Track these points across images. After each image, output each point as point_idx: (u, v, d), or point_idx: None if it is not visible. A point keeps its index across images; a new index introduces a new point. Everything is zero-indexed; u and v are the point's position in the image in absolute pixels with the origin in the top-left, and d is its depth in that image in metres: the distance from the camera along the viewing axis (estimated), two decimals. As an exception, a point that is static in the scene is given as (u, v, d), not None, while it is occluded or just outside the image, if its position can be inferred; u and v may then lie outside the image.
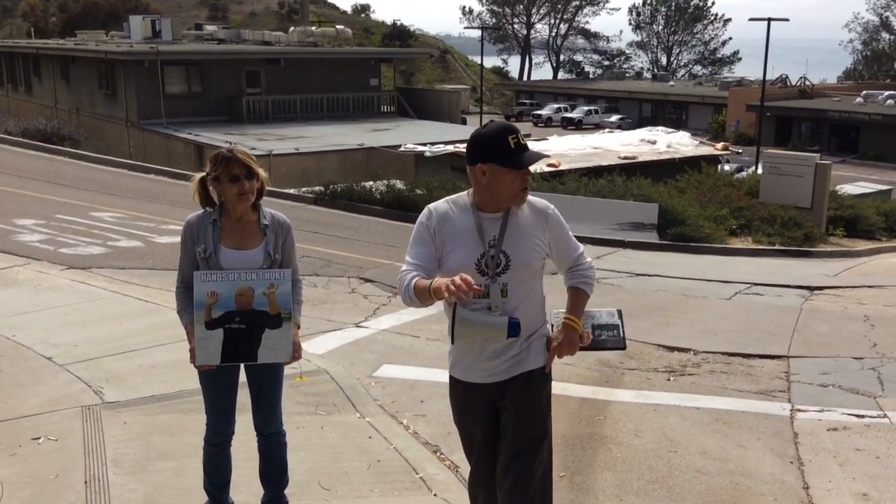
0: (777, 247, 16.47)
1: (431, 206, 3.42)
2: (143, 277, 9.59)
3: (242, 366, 3.96)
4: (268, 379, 3.99)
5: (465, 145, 3.36)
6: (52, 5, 75.37)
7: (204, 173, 3.82)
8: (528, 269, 3.32)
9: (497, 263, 3.27)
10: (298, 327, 3.96)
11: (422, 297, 3.16)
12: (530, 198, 3.37)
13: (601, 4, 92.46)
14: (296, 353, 3.89)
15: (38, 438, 5.08)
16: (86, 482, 4.56)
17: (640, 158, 24.88)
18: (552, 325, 3.51)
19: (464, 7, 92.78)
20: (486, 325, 3.24)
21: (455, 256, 3.29)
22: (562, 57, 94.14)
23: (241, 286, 3.74)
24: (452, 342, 3.31)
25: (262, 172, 3.85)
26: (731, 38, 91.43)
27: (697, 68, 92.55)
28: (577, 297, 3.49)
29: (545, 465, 3.45)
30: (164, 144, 30.19)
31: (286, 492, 4.25)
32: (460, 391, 3.50)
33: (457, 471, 5.01)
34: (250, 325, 3.76)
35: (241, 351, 3.79)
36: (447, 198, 3.44)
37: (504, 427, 3.44)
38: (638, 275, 12.53)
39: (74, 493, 4.44)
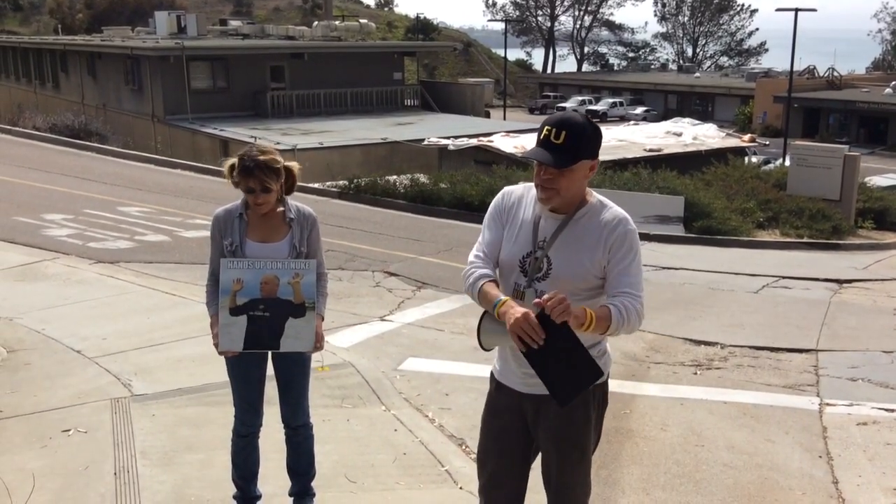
0: (805, 239, 16.29)
1: (507, 187, 3.22)
2: (170, 271, 9.67)
3: (270, 358, 3.98)
4: (295, 371, 4.01)
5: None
6: (79, 2, 76.04)
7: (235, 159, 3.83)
8: (571, 286, 2.95)
9: (539, 268, 3.01)
10: (322, 319, 3.97)
11: (486, 305, 2.98)
12: (614, 207, 3.04)
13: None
14: (318, 344, 3.90)
15: (68, 430, 5.14)
16: (115, 474, 4.61)
17: (666, 151, 24.67)
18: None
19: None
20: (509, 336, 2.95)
21: (506, 248, 3.09)
22: (586, 49, 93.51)
23: (267, 274, 3.76)
24: (481, 347, 3.08)
25: (294, 166, 3.87)
26: (757, 29, 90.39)
27: (724, 59, 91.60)
28: (602, 308, 2.91)
29: (585, 492, 3.29)
30: (189, 139, 30.39)
31: (313, 484, 4.27)
32: (493, 389, 3.30)
33: (482, 464, 5.01)
34: (274, 313, 3.78)
35: (264, 338, 3.81)
36: (528, 183, 3.17)
37: (545, 456, 3.22)
38: (664, 268, 12.45)
39: (104, 484, 4.49)
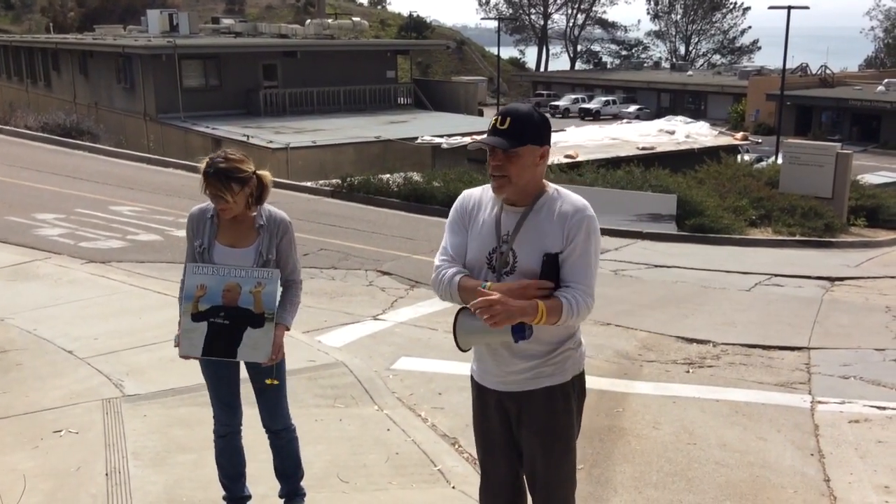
0: (797, 237, 16.35)
1: (466, 191, 3.27)
2: (161, 271, 9.63)
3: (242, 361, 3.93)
4: (264, 377, 3.94)
5: (482, 137, 3.17)
6: (71, 0, 75.77)
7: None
8: (538, 276, 2.99)
9: (505, 262, 3.04)
10: (287, 329, 3.90)
11: (469, 296, 3.00)
12: (572, 196, 3.09)
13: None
14: (274, 356, 3.81)
15: (60, 431, 5.13)
16: (107, 475, 4.60)
17: (659, 149, 24.71)
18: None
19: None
20: (489, 329, 2.94)
21: (472, 248, 3.13)
22: (579, 47, 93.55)
23: (230, 282, 3.74)
24: (459, 348, 3.10)
25: (266, 176, 3.79)
26: (750, 27, 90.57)
27: (716, 57, 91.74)
28: (554, 301, 2.96)
29: (572, 487, 3.32)
30: (181, 138, 30.31)
31: (303, 483, 4.26)
32: (475, 392, 3.32)
33: (475, 463, 5.00)
34: (233, 321, 3.75)
35: (222, 346, 3.77)
36: (486, 185, 3.22)
37: (529, 452, 3.22)
38: (656, 266, 12.47)
39: (95, 485, 4.48)
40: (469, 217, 3.17)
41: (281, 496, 4.22)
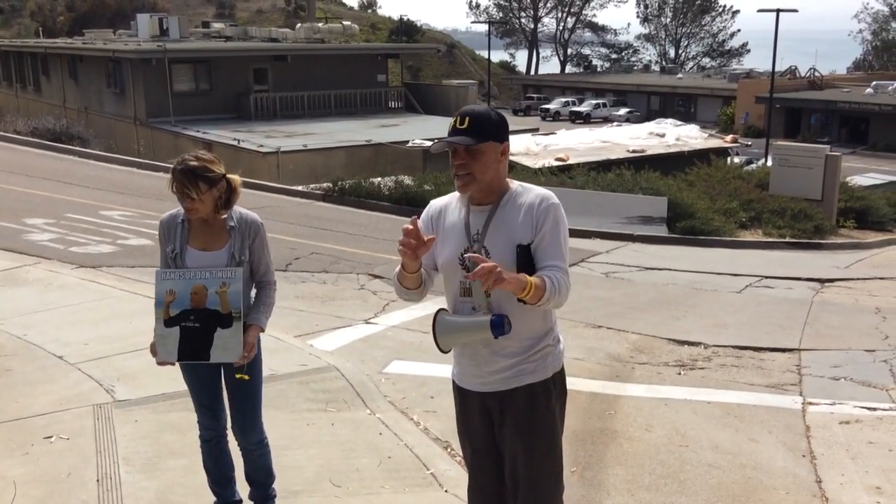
0: (787, 239, 16.41)
1: (433, 200, 3.35)
2: (152, 276, 9.53)
3: (221, 365, 3.92)
4: (241, 385, 3.92)
5: (444, 137, 3.21)
6: (60, 4, 75.52)
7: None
8: (513, 270, 2.99)
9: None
10: (262, 329, 3.88)
11: (402, 279, 3.13)
12: (536, 188, 3.16)
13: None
14: (246, 353, 3.78)
15: (50, 437, 5.10)
16: (98, 481, 4.57)
17: (649, 152, 24.80)
18: None
19: (470, 1, 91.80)
20: (468, 327, 2.97)
21: (443, 251, 3.17)
22: (569, 50, 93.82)
23: (196, 284, 3.74)
24: (440, 349, 3.11)
25: (235, 180, 3.78)
26: (739, 30, 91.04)
27: (706, 61, 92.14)
28: (539, 278, 2.96)
29: (558, 488, 3.30)
30: (172, 142, 30.23)
31: (275, 486, 4.24)
32: (457, 395, 3.35)
33: (467, 467, 5.00)
34: (204, 324, 3.75)
35: (195, 350, 3.77)
36: (454, 192, 3.29)
37: (511, 452, 3.22)
38: (647, 268, 12.50)
39: (86, 491, 4.45)
40: (436, 224, 3.23)
41: (251, 499, 4.19)
